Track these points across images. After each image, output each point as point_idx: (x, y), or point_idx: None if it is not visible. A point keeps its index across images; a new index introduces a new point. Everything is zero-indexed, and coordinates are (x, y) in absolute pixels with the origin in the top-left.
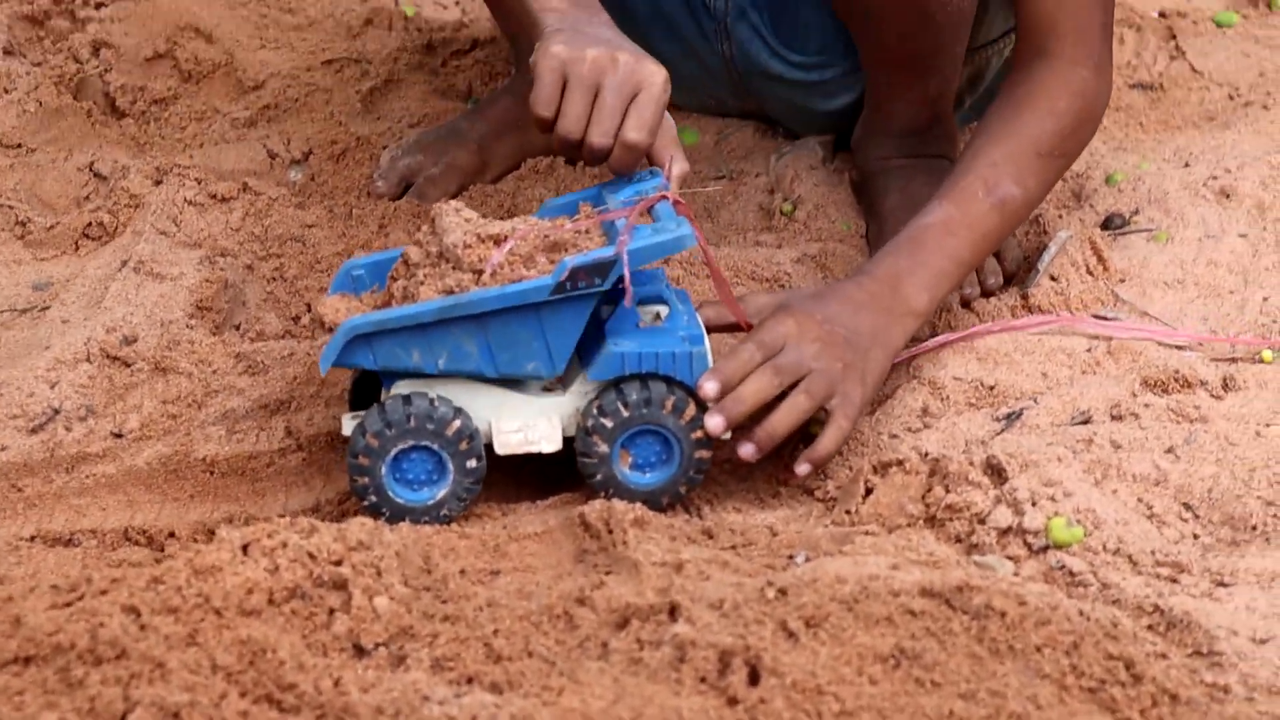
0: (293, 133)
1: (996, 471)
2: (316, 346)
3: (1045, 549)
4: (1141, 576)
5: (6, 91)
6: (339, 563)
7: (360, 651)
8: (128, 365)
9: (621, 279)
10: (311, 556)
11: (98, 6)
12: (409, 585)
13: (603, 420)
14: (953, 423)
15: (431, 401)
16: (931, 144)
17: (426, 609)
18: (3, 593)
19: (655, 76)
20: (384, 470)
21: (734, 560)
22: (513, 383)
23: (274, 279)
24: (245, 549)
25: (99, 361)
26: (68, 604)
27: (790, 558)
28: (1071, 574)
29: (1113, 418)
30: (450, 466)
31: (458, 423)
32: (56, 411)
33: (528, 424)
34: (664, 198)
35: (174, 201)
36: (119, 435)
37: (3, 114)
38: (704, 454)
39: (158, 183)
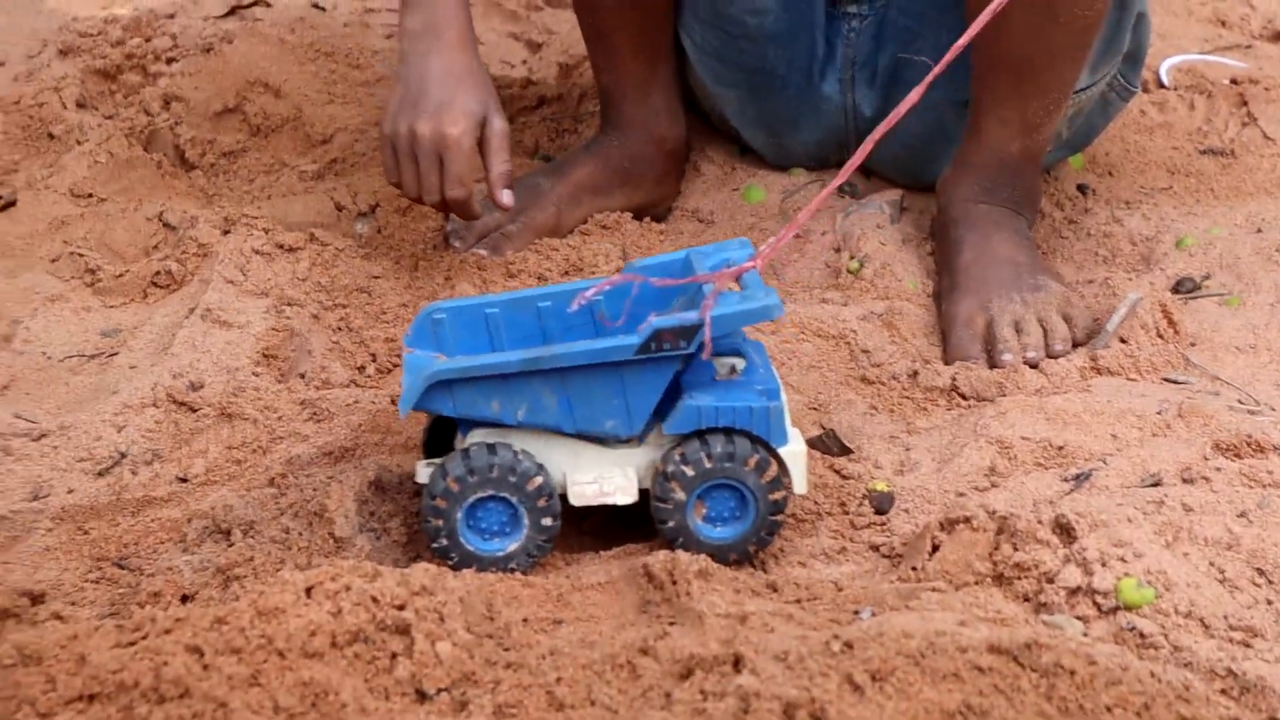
0: (359, 186)
1: (1066, 531)
2: (387, 393)
3: (1115, 610)
4: (1214, 640)
5: (79, 143)
6: (402, 607)
7: (422, 696)
8: (194, 411)
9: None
10: (375, 600)
11: (169, 61)
12: (472, 632)
13: (684, 468)
14: (1020, 482)
15: (515, 454)
16: (1016, 190)
17: (489, 655)
18: (68, 631)
19: (452, 131)
20: (459, 516)
21: (799, 614)
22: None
23: (339, 329)
24: (309, 591)
25: (165, 407)
26: (132, 643)
27: (856, 613)
28: (1142, 636)
29: (1184, 481)
30: (525, 521)
31: (539, 479)
32: (123, 455)
33: (603, 475)
34: (751, 267)
35: (242, 251)
36: (184, 480)
37: (75, 164)
38: (778, 517)
39: (226, 232)
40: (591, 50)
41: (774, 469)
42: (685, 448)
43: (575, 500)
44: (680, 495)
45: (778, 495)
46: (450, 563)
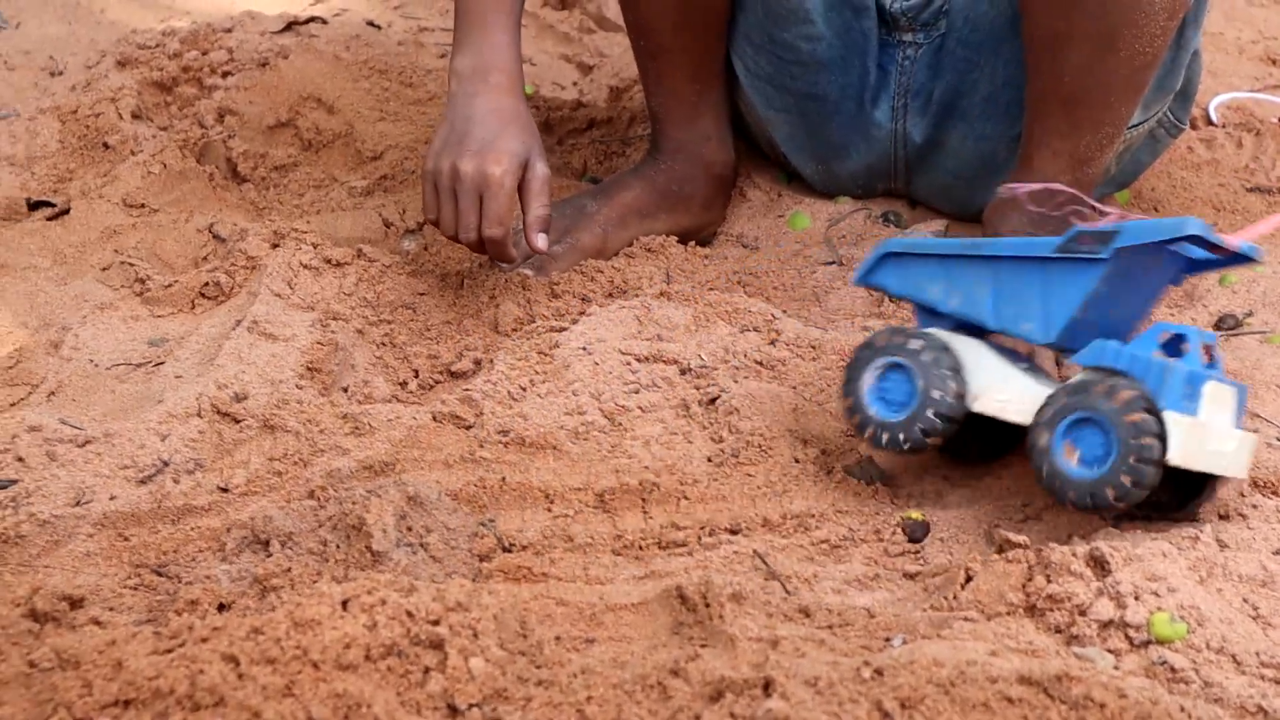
0: (408, 203)
1: (1099, 564)
2: (429, 409)
3: (1147, 644)
4: (1245, 676)
5: (133, 154)
6: (436, 622)
7: (454, 711)
8: (237, 422)
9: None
10: (410, 615)
11: (224, 75)
12: (504, 648)
13: (1061, 395)
14: (1056, 515)
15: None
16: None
17: (521, 673)
18: (105, 637)
19: (495, 170)
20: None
21: (830, 639)
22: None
23: (384, 344)
24: (345, 604)
25: (209, 417)
26: (169, 650)
27: (887, 640)
28: (1173, 670)
29: (1220, 517)
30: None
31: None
32: (166, 464)
33: (1012, 393)
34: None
35: (289, 265)
36: (225, 490)
37: (129, 175)
38: (1143, 467)
39: (275, 246)
40: (643, 73)
41: (1143, 415)
42: (1073, 381)
43: (980, 409)
44: (1050, 416)
45: (1145, 441)
46: (853, 421)
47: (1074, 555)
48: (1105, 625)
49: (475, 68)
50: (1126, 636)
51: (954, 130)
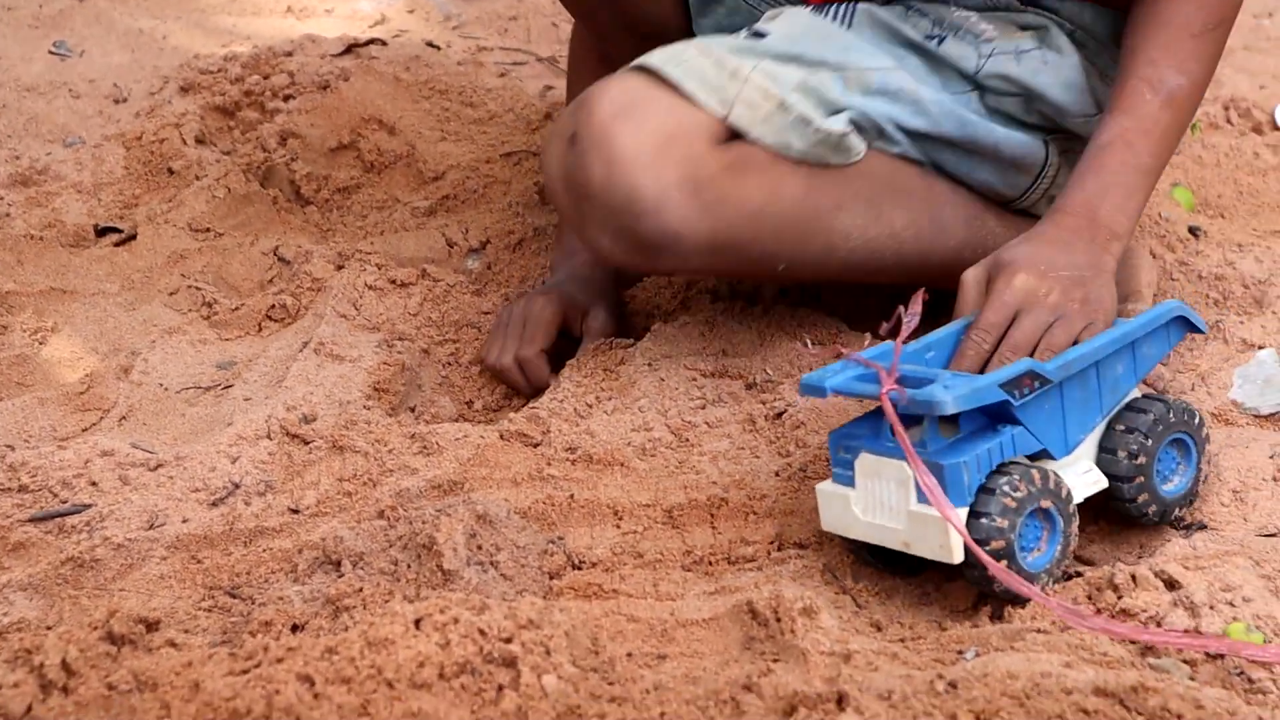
0: (470, 222)
1: (1174, 575)
2: (496, 428)
3: (1223, 655)
4: None
5: (198, 179)
6: (509, 640)
7: None
8: (306, 443)
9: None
10: (482, 633)
11: (286, 99)
12: (577, 665)
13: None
14: (1129, 530)
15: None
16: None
17: (594, 689)
18: (182, 658)
19: (542, 312)
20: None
21: (903, 653)
22: None
23: (449, 364)
24: (418, 623)
25: (279, 439)
26: (244, 671)
27: (960, 653)
28: (1250, 681)
29: None
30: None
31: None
32: (236, 486)
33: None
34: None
35: (354, 286)
36: (295, 511)
37: (193, 200)
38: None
39: (339, 267)
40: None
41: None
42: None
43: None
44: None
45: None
46: None
47: (1145, 569)
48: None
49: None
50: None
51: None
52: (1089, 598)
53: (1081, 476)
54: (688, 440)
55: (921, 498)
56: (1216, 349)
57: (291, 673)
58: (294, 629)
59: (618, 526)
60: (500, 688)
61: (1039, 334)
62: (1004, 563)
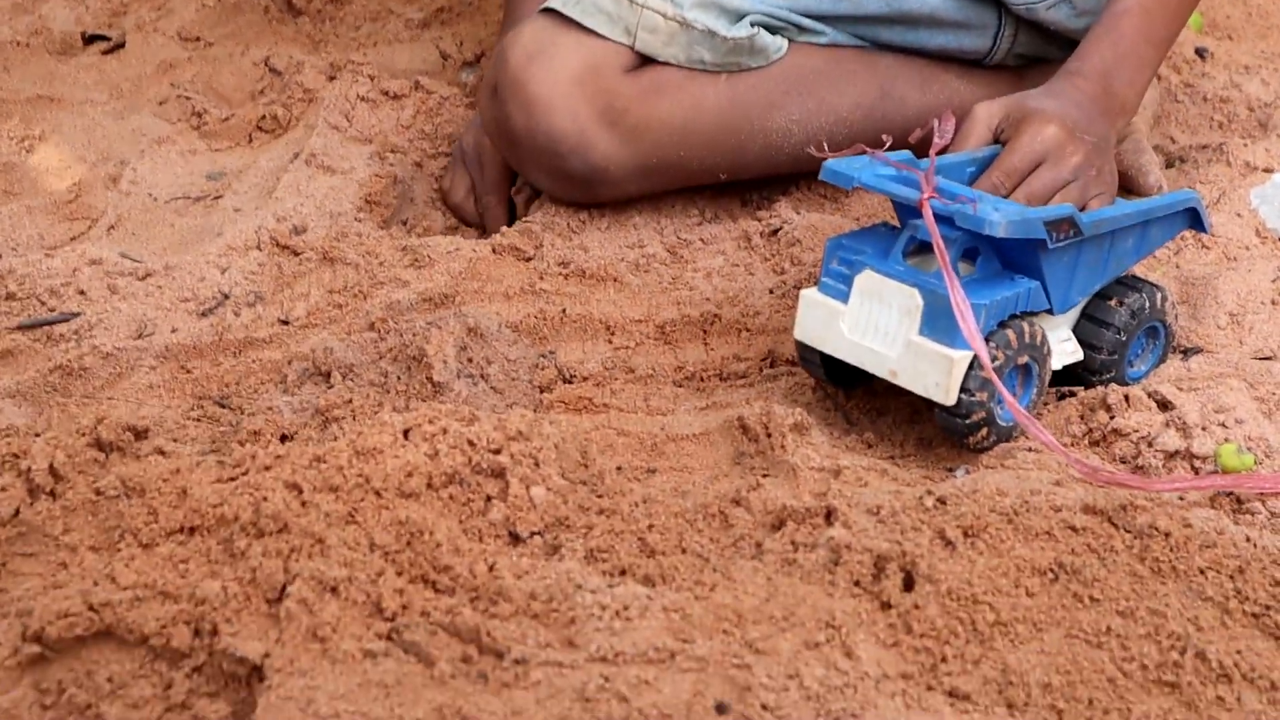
0: (465, 35)
1: (1167, 395)
2: (488, 242)
3: (1214, 475)
4: None
5: None
6: (498, 451)
7: (515, 539)
8: (296, 254)
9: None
10: (471, 444)
11: None
12: (566, 478)
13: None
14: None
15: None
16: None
17: (582, 502)
18: (170, 465)
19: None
20: None
21: (892, 469)
22: None
23: (442, 177)
24: (407, 433)
25: (269, 250)
26: (232, 478)
27: (950, 470)
28: (1239, 501)
29: None
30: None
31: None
32: (226, 297)
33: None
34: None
35: (347, 97)
36: (285, 322)
37: (183, 8)
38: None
39: (331, 78)
40: None
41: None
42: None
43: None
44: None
45: None
46: None
47: (1139, 390)
48: (1171, 456)
49: None
50: (1193, 467)
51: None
52: (1081, 418)
53: (1060, 343)
54: (682, 257)
55: (926, 329)
56: (1220, 171)
57: (279, 481)
58: (283, 439)
59: (610, 341)
60: (489, 498)
61: (1055, 191)
62: (984, 419)
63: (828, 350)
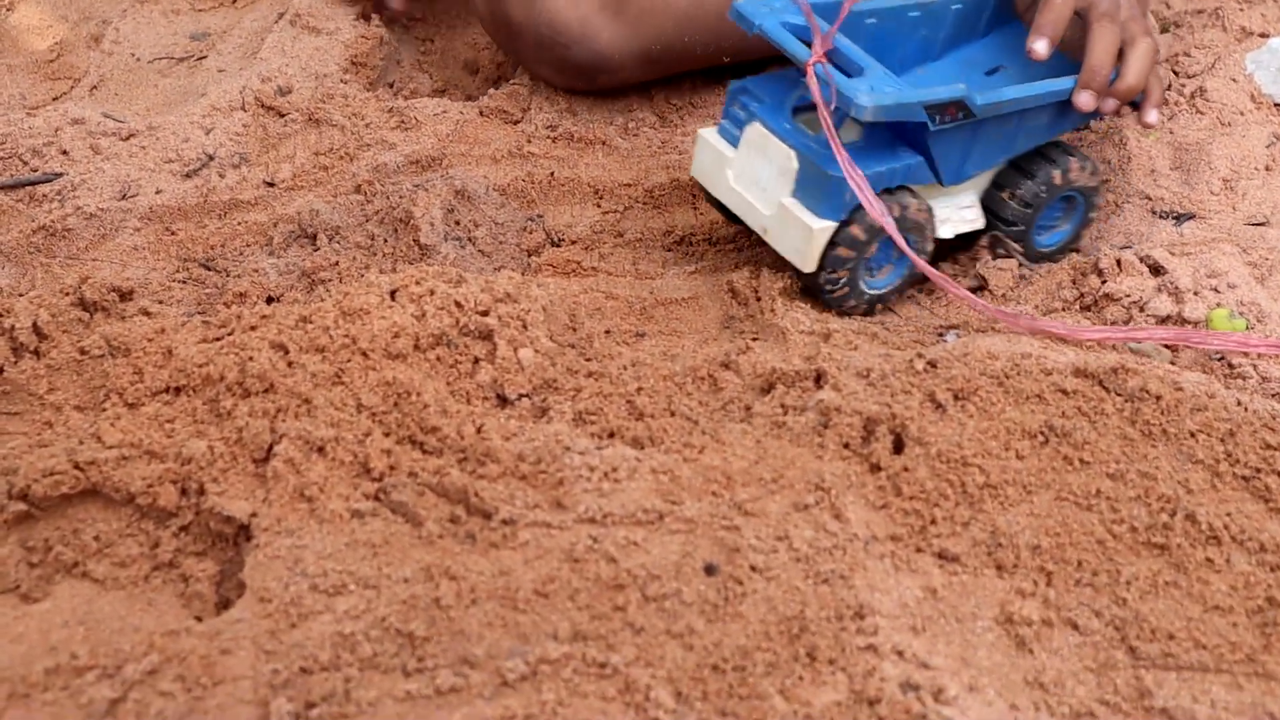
0: None
1: (1159, 260)
2: (476, 105)
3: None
4: None
5: None
6: (486, 313)
7: (503, 401)
8: (281, 116)
9: None
10: (459, 305)
11: None
12: (554, 340)
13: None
14: (1116, 219)
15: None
16: None
17: (570, 364)
18: (155, 325)
19: None
20: None
21: (883, 334)
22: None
23: (428, 40)
24: (393, 294)
25: (254, 110)
26: (218, 339)
27: (941, 335)
28: (1230, 366)
29: None
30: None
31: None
32: (210, 158)
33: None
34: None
35: None
36: (271, 184)
37: None
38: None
39: None
40: None
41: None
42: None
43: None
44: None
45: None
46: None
47: (1130, 255)
48: (1163, 321)
49: None
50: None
51: None
52: (1073, 282)
53: (960, 210)
54: (671, 121)
55: (799, 193)
56: (1215, 36)
57: (265, 341)
58: (269, 300)
59: (598, 205)
60: (476, 360)
61: (1114, 31)
62: (846, 288)
63: (716, 194)
